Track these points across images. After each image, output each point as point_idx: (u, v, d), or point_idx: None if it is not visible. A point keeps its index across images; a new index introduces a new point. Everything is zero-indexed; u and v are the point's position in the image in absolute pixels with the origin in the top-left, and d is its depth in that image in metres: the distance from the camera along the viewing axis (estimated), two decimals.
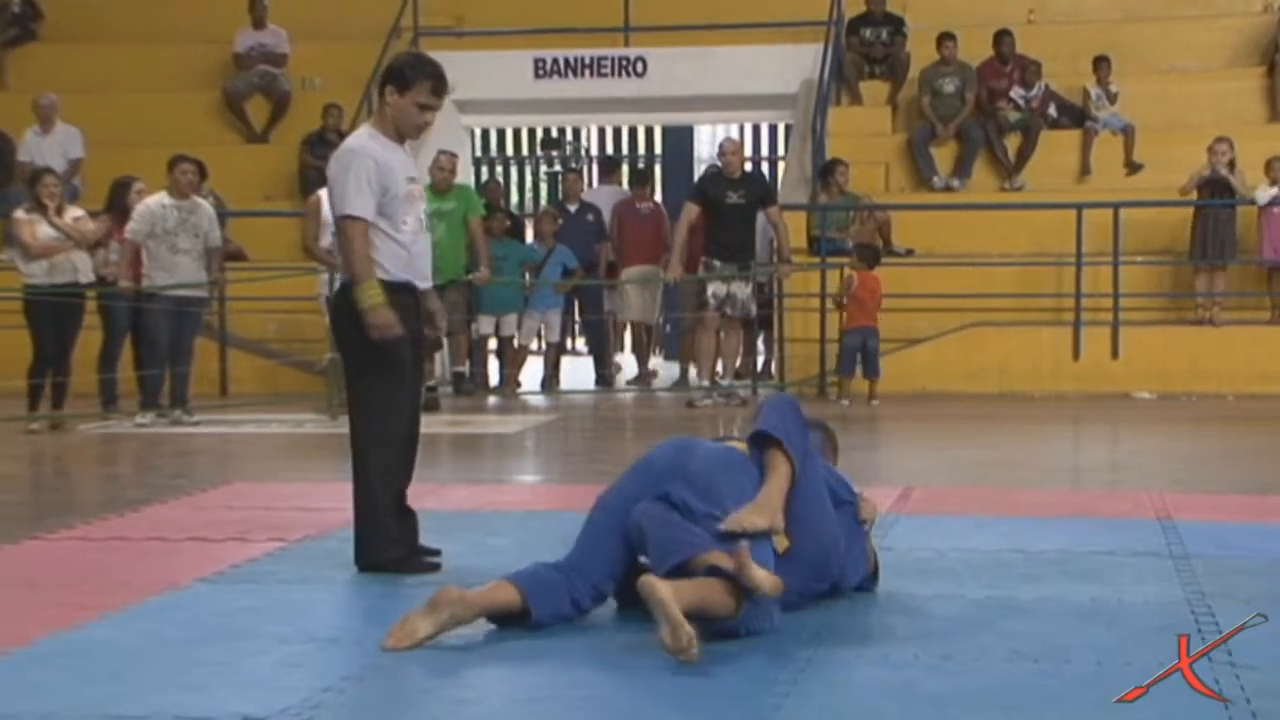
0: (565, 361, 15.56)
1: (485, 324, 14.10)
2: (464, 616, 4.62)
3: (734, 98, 16.66)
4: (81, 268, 11.55)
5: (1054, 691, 4.12)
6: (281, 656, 4.51)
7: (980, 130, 15.49)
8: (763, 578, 4.45)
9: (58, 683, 4.22)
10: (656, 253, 14.41)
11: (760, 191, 13.12)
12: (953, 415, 12.49)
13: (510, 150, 22.79)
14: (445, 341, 13.01)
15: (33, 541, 6.48)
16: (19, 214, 11.57)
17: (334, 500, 6.63)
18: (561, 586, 4.77)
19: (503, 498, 8.00)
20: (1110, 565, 5.83)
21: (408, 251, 5.78)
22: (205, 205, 11.80)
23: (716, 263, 12.88)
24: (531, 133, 22.11)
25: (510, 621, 4.71)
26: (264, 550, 6.20)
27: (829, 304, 13.65)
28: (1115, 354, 13.73)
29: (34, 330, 11.49)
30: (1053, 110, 15.64)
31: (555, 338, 14.79)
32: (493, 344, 14.67)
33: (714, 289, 12.83)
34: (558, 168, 21.68)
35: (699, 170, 19.34)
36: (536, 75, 16.40)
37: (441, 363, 13.81)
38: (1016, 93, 15.54)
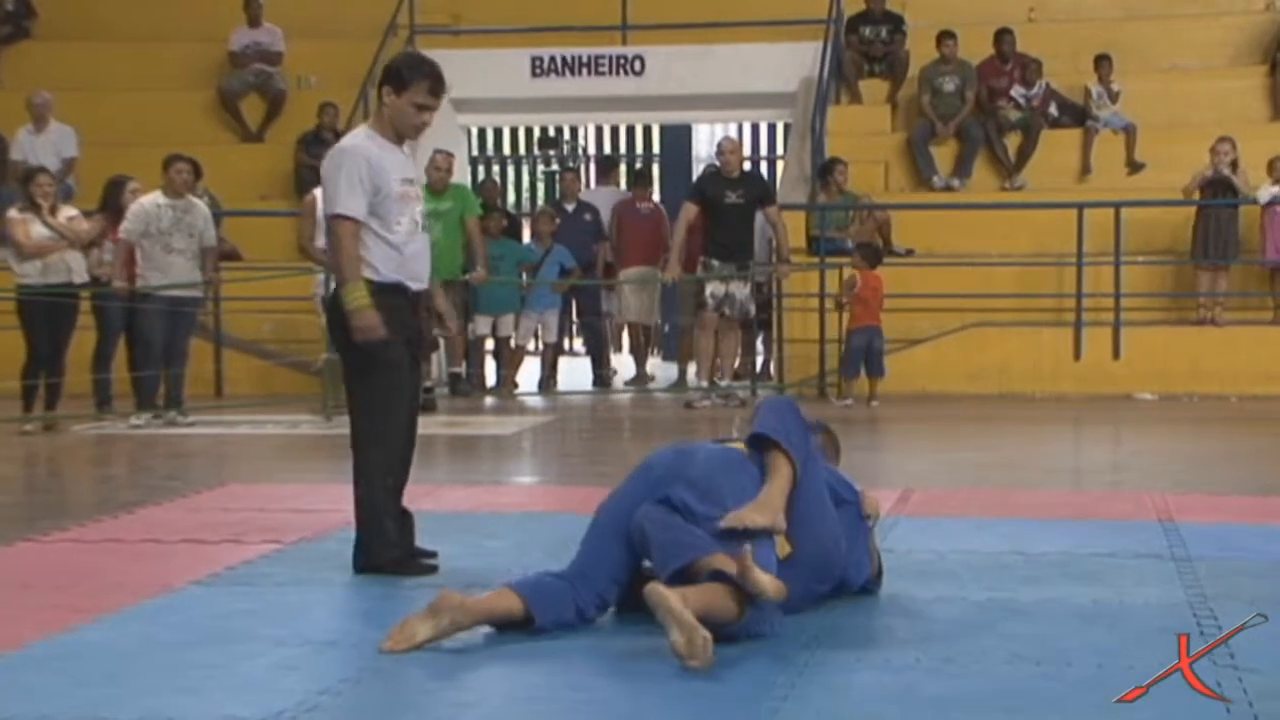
0: (563, 362, 15.55)
1: (482, 324, 14.06)
2: (464, 623, 4.60)
3: (732, 96, 16.60)
4: (75, 268, 11.50)
5: (1055, 694, 4.10)
6: (277, 659, 4.49)
7: (980, 129, 15.44)
8: (766, 582, 4.43)
9: (51, 685, 4.20)
10: (656, 253, 14.37)
11: (759, 191, 13.07)
12: (953, 416, 12.46)
13: (507, 149, 22.79)
14: (441, 342, 12.96)
15: (26, 543, 6.46)
16: (12, 213, 11.50)
17: (330, 502, 6.63)
18: (566, 595, 4.75)
19: (500, 499, 7.97)
20: (1112, 567, 5.81)
21: (400, 252, 5.75)
22: (200, 205, 11.76)
23: (715, 263, 12.83)
24: (529, 132, 22.12)
25: (512, 628, 4.69)
26: (259, 552, 6.18)
27: (830, 304, 13.59)
28: (1116, 354, 13.68)
29: (27, 331, 11.44)
30: (1053, 109, 15.59)
31: (552, 338, 14.78)
32: (489, 344, 14.63)
33: (712, 289, 12.78)
34: (555, 167, 21.69)
35: (697, 169, 19.34)
36: (534, 74, 16.37)
37: (438, 363, 13.77)
38: (1017, 91, 15.50)
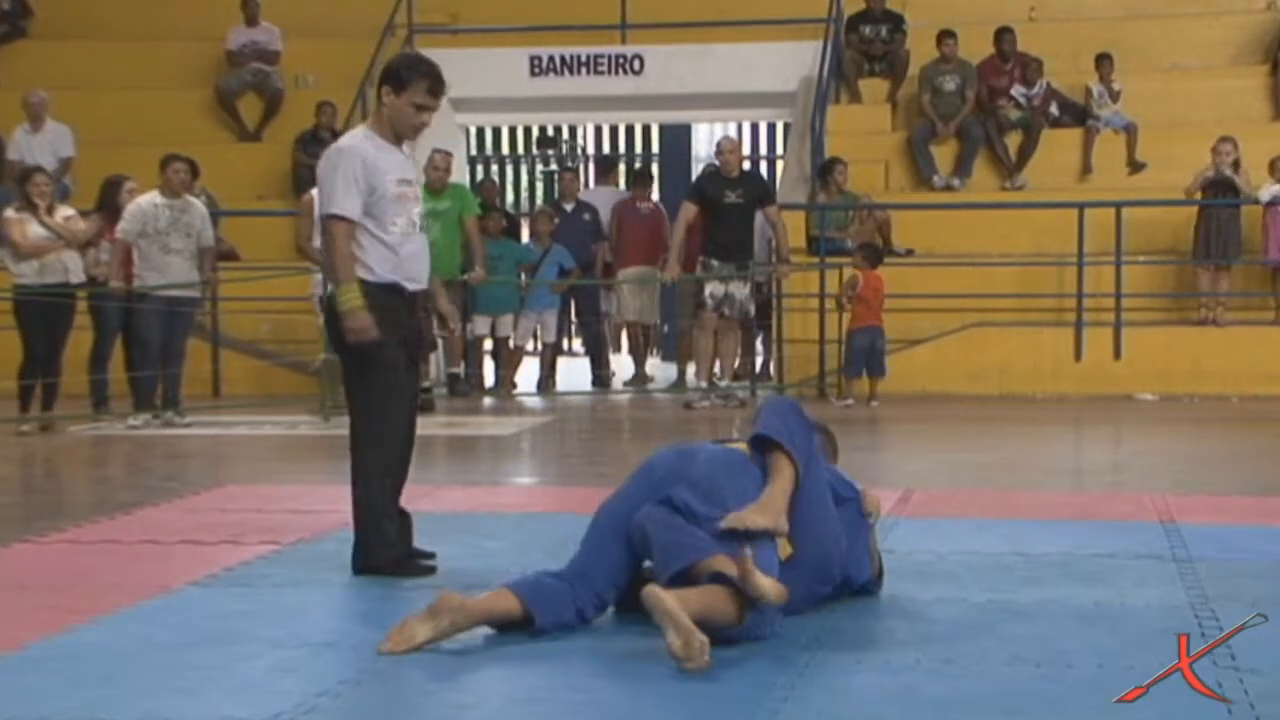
0: (561, 362, 15.52)
1: (481, 324, 14.03)
2: (463, 624, 4.60)
3: (732, 95, 16.57)
4: (72, 268, 11.48)
5: (1056, 696, 4.10)
6: (275, 661, 4.48)
7: (981, 129, 15.41)
8: (767, 586, 4.43)
9: (48, 686, 4.19)
10: (655, 253, 14.34)
11: (758, 190, 13.03)
12: (953, 416, 12.44)
13: (506, 149, 22.74)
14: (440, 342, 12.94)
15: (23, 544, 6.45)
16: (9, 213, 11.46)
17: (328, 502, 6.65)
18: (566, 595, 4.74)
19: (498, 500, 7.96)
20: (1112, 568, 5.80)
21: (395, 253, 5.75)
22: (198, 205, 11.74)
23: (714, 263, 12.79)
24: (527, 131, 22.09)
25: (511, 629, 4.68)
26: (257, 553, 6.17)
27: (831, 304, 13.55)
28: (1117, 355, 13.65)
29: (24, 331, 11.41)
30: (1054, 108, 15.56)
31: (551, 338, 14.76)
32: (488, 345, 14.60)
33: (712, 289, 12.75)
34: (554, 167, 21.64)
35: (697, 169, 19.30)
36: (532, 73, 16.35)
37: (436, 364, 13.75)
38: (1017, 91, 15.46)
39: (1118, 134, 15.33)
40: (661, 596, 4.30)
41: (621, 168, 18.18)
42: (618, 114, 19.30)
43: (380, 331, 5.67)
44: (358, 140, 5.82)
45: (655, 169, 19.42)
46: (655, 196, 15.63)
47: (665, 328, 16.41)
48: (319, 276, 11.92)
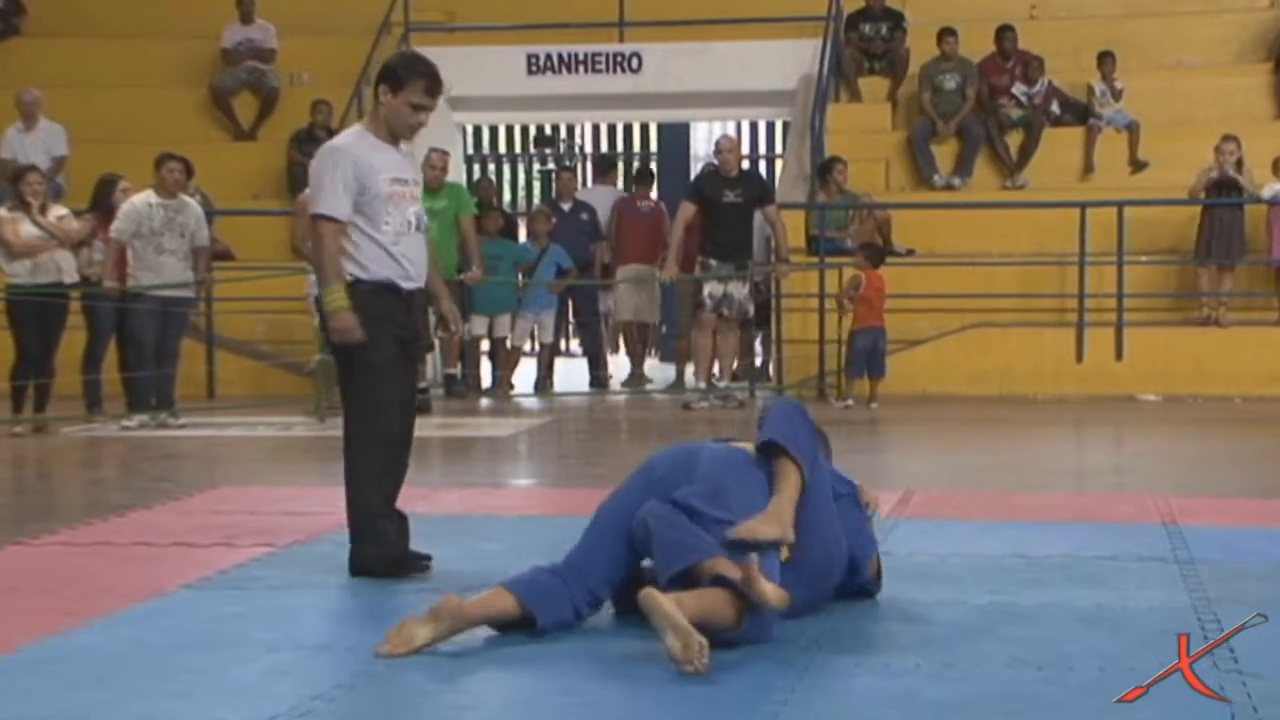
0: (559, 363, 15.46)
1: (478, 325, 13.97)
2: (462, 626, 4.60)
3: (731, 94, 16.51)
4: (65, 267, 11.45)
5: (1057, 699, 4.10)
6: (270, 664, 4.47)
7: (982, 127, 15.36)
8: (769, 591, 4.42)
9: (41, 689, 4.19)
10: (654, 252, 14.28)
11: (758, 190, 12.99)
12: (954, 418, 12.41)
13: (503, 148, 22.70)
14: (436, 343, 12.88)
15: (16, 547, 6.43)
16: (1, 212, 11.43)
17: (323, 504, 6.66)
18: (562, 593, 4.73)
19: (495, 502, 7.94)
20: (1114, 570, 5.80)
21: (388, 252, 5.74)
22: (192, 204, 11.72)
23: (713, 262, 12.75)
24: (524, 130, 22.04)
25: (510, 628, 4.68)
26: (251, 555, 6.16)
27: (831, 305, 13.49)
28: (1119, 355, 13.60)
29: (16, 331, 11.38)
30: (1055, 107, 15.51)
31: (549, 339, 14.72)
32: (485, 345, 14.56)
33: (710, 289, 12.71)
34: (551, 166, 21.59)
35: (695, 168, 19.26)
36: (529, 71, 16.29)
37: (433, 365, 13.70)
38: (1018, 89, 15.42)
39: (1119, 133, 15.28)
40: (659, 599, 4.30)
41: (620, 169, 18.09)
42: (616, 113, 19.24)
43: (375, 331, 5.67)
44: (351, 139, 5.83)
45: (654, 168, 19.37)
46: (654, 195, 15.56)
47: (664, 328, 16.36)
48: (314, 276, 11.87)
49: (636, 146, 22.04)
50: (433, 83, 5.73)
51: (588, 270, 14.68)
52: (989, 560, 5.97)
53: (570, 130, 22.20)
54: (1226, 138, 13.63)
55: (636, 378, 14.93)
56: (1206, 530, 6.60)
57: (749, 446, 4.98)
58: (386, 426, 5.73)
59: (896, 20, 16.31)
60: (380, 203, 5.68)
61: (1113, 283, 13.64)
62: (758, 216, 12.90)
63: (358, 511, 5.72)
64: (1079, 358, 13.65)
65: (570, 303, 15.18)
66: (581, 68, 16.26)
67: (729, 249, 12.69)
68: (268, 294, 13.47)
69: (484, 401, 13.88)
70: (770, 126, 21.22)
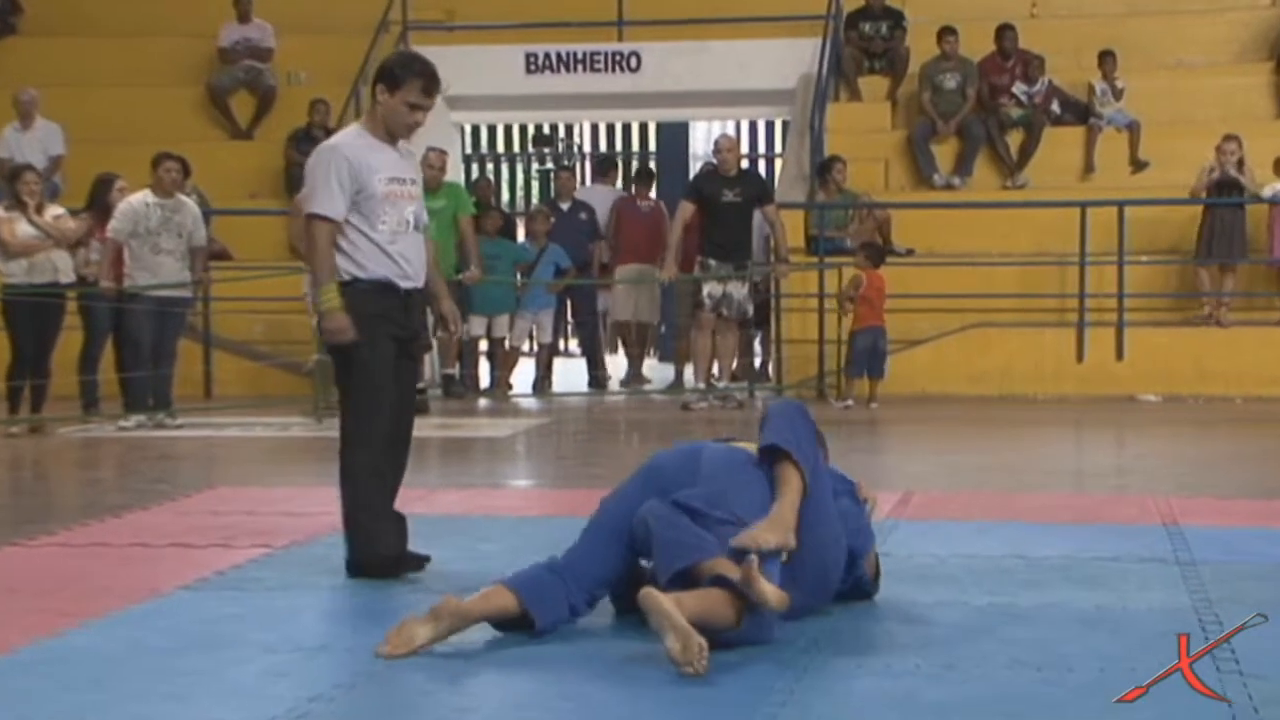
0: (557, 363, 15.42)
1: (476, 325, 13.93)
2: (462, 625, 4.60)
3: (730, 93, 16.46)
4: (62, 267, 11.42)
5: (1057, 700, 4.09)
6: (267, 665, 4.46)
7: (982, 127, 15.32)
8: (769, 592, 4.42)
9: (38, 690, 4.18)
10: (654, 251, 14.22)
11: (757, 189, 12.96)
12: (954, 418, 12.39)
13: (501, 147, 22.66)
14: (434, 342, 12.84)
15: (12, 548, 6.41)
16: None
17: (321, 505, 6.64)
18: (560, 592, 4.73)
19: (493, 503, 7.93)
20: (1115, 571, 5.79)
21: (385, 252, 5.74)
22: (190, 204, 11.70)
23: (712, 262, 12.72)
24: (523, 129, 22.01)
25: (508, 625, 4.68)
26: (249, 556, 6.15)
27: (831, 305, 13.45)
28: (1120, 356, 13.56)
29: (12, 331, 11.35)
30: (1056, 106, 15.48)
31: (547, 339, 14.69)
32: (483, 345, 14.53)
33: (709, 289, 12.68)
34: (550, 165, 21.55)
35: (694, 167, 19.21)
36: (528, 70, 16.25)
37: (431, 365, 13.66)
38: (1019, 88, 15.38)
39: (1120, 132, 15.25)
40: (659, 599, 4.29)
41: (619, 169, 18.05)
42: (614, 112, 19.21)
43: (372, 330, 5.67)
44: (348, 138, 5.83)
45: (652, 167, 19.35)
46: (652, 195, 15.53)
47: (662, 328, 16.34)
48: (311, 276, 11.86)
49: (635, 146, 22.01)
50: (430, 82, 5.72)
51: (586, 270, 14.64)
52: (989, 561, 5.95)
53: (569, 129, 22.16)
54: (1228, 137, 13.60)
55: (635, 378, 14.90)
56: (1207, 531, 6.58)
57: (751, 447, 4.97)
58: (380, 426, 5.71)
59: (896, 19, 16.27)
60: (376, 202, 5.68)
61: (1113, 283, 13.61)
62: (757, 216, 12.87)
63: (352, 512, 5.70)
64: (1079, 358, 13.61)
65: (569, 303, 15.16)
66: (580, 67, 16.22)
67: (728, 249, 12.66)
68: (265, 294, 13.43)
69: (482, 402, 13.86)
70: (769, 126, 21.19)
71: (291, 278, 12.98)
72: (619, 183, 16.41)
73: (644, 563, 4.78)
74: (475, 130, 21.29)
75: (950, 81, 15.43)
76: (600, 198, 15.20)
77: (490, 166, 22.22)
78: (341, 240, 5.69)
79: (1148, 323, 13.75)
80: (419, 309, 6.06)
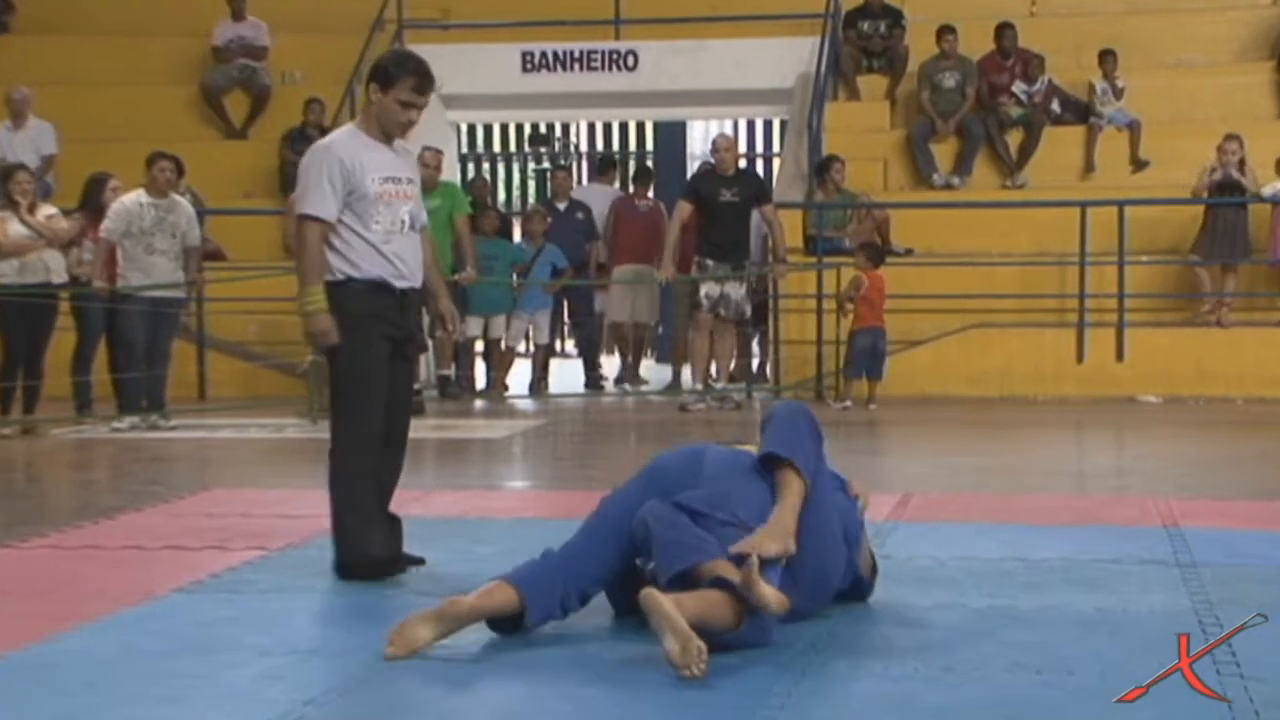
0: (554, 364, 15.37)
1: (473, 325, 13.86)
2: (464, 624, 4.61)
3: (728, 92, 16.42)
4: (54, 267, 11.37)
5: (1056, 703, 4.09)
6: (262, 668, 4.46)
7: (981, 126, 15.27)
8: (770, 595, 4.42)
9: (30, 694, 4.17)
10: (652, 251, 14.16)
11: (755, 189, 12.89)
12: (953, 419, 12.35)
13: (497, 147, 22.61)
14: (430, 343, 12.79)
15: (4, 550, 6.40)
16: None
17: (316, 507, 6.60)
18: (556, 590, 4.73)
19: (490, 504, 7.91)
20: (1115, 574, 5.77)
21: (379, 251, 5.73)
22: (184, 204, 11.68)
23: (710, 262, 12.67)
24: (519, 128, 21.97)
25: (500, 622, 4.68)
26: (243, 559, 6.14)
27: (830, 305, 13.39)
28: (1120, 356, 13.51)
29: (4, 332, 11.29)
30: (1056, 105, 15.43)
31: (544, 339, 14.62)
32: (479, 346, 14.48)
33: (707, 289, 12.64)
34: (546, 165, 21.51)
35: (692, 167, 19.22)
36: (524, 69, 16.19)
37: (427, 366, 13.62)
38: (1018, 87, 15.33)
39: (1120, 131, 15.20)
40: (660, 600, 4.29)
41: (617, 169, 18.00)
42: (611, 111, 19.24)
43: (366, 330, 5.67)
44: (341, 138, 5.82)
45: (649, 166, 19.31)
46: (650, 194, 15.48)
47: (660, 329, 16.29)
48: None
49: (633, 145, 21.99)
50: (422, 80, 5.71)
51: (583, 270, 14.59)
52: (988, 563, 5.94)
53: (565, 129, 22.13)
54: (1229, 137, 13.56)
55: (631, 379, 14.85)
56: (1208, 533, 6.57)
57: (754, 449, 4.97)
58: (373, 426, 5.71)
59: (895, 18, 16.22)
60: (369, 202, 5.68)
61: (1113, 283, 13.57)
62: (755, 216, 12.81)
63: (342, 513, 5.69)
64: (1079, 358, 13.57)
65: (566, 303, 15.11)
66: (577, 65, 16.16)
67: (726, 249, 12.61)
68: (259, 294, 13.37)
69: (478, 403, 13.83)
70: (768, 125, 21.14)
71: (286, 278, 12.82)
72: (618, 182, 16.33)
73: (640, 563, 4.78)
74: (471, 129, 21.24)
75: (949, 80, 15.38)
76: (598, 197, 15.14)
77: (486, 166, 22.18)
78: (335, 240, 5.67)
79: (1148, 323, 13.71)
80: (415, 309, 6.04)
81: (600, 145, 22.01)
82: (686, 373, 13.72)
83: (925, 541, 6.38)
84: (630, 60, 16.08)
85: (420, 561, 5.80)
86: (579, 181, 17.86)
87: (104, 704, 4.08)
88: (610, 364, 15.69)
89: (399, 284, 5.75)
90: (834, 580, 4.94)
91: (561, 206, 14.82)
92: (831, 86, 15.77)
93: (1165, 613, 5.07)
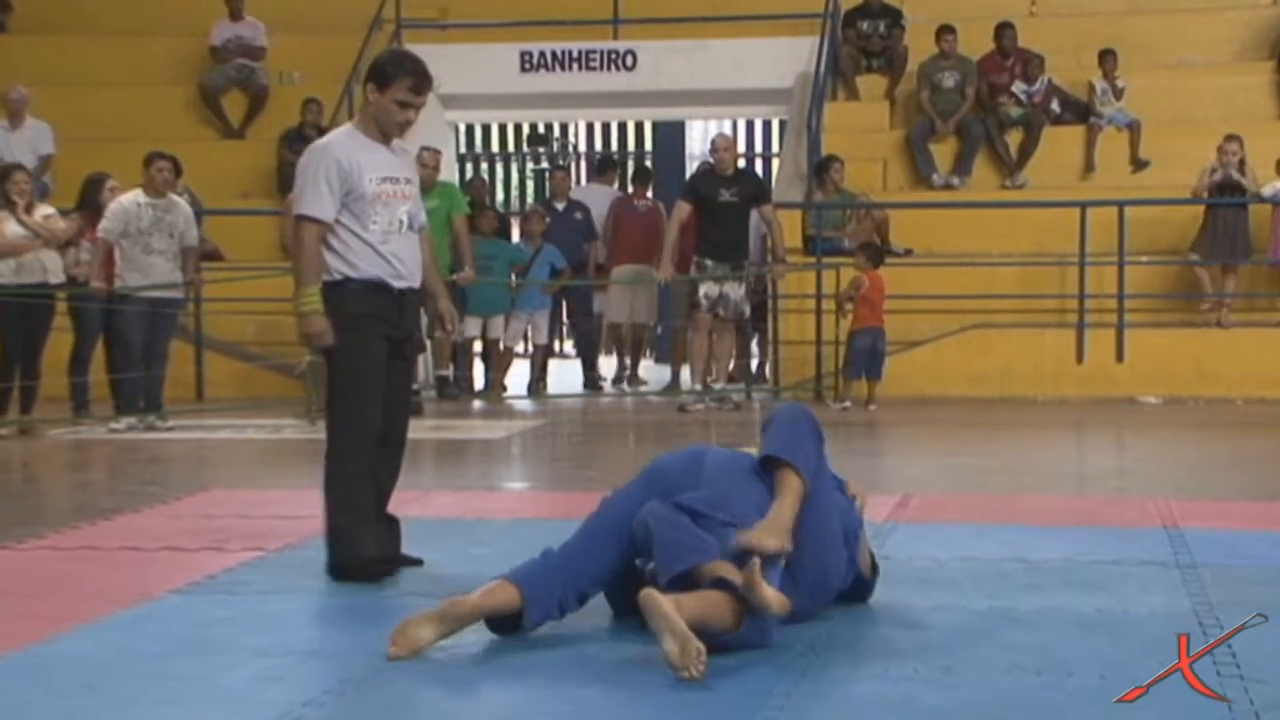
0: (553, 364, 15.35)
1: (471, 326, 13.83)
2: (465, 624, 4.61)
3: (727, 92, 16.40)
4: (51, 267, 11.35)
5: (1056, 704, 4.09)
6: (259, 670, 4.45)
7: (981, 126, 15.26)
8: (771, 596, 4.42)
9: (27, 696, 4.17)
10: (651, 251, 14.15)
11: (754, 189, 12.87)
12: (953, 420, 12.33)
13: (496, 147, 22.60)
14: (428, 343, 12.77)
15: (2, 551, 6.40)
16: None
17: (313, 507, 6.65)
18: (555, 590, 4.73)
19: (488, 505, 7.92)
20: (1115, 575, 5.77)
21: (377, 251, 5.73)
22: (182, 204, 11.67)
23: (709, 262, 12.65)
24: (518, 128, 21.96)
25: (498, 622, 4.68)
26: (241, 560, 6.13)
27: (829, 305, 13.37)
28: (1120, 357, 13.50)
29: (1, 332, 11.26)
30: (1056, 105, 15.42)
31: (543, 340, 14.61)
32: (478, 346, 14.47)
33: (706, 289, 12.62)
34: (545, 165, 21.50)
35: (691, 167, 19.19)
36: (523, 69, 16.18)
37: (425, 366, 13.59)
38: (1018, 87, 15.32)
39: (1120, 131, 15.19)
40: (659, 600, 4.28)
41: (616, 169, 17.99)
42: (610, 111, 19.22)
43: (363, 330, 5.67)
44: (339, 138, 5.81)
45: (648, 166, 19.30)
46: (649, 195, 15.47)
47: (659, 329, 16.27)
48: None
49: (631, 145, 21.97)
50: (419, 80, 5.71)
51: (582, 270, 14.57)
52: (988, 564, 5.93)
53: (564, 129, 22.12)
54: (1230, 138, 13.55)
55: (628, 378, 14.81)
56: (1208, 534, 6.56)
57: (755, 450, 4.97)
58: (370, 427, 5.70)
59: (895, 17, 16.20)
60: (366, 202, 5.68)
61: (1113, 283, 13.55)
62: (754, 216, 12.80)
63: (337, 514, 5.68)
64: (1079, 359, 13.55)
65: (564, 303, 15.08)
66: (575, 65, 16.15)
67: (725, 249, 12.59)
68: (257, 295, 13.36)
69: (477, 403, 13.81)
70: (767, 125, 21.14)
71: (284, 278, 12.70)
72: (616, 183, 16.31)
73: (640, 564, 4.77)
74: (469, 129, 21.25)
75: (949, 80, 15.36)
76: (596, 197, 15.14)
77: (485, 166, 22.19)
78: (333, 240, 5.67)
79: (1148, 324, 13.70)
80: (413, 309, 6.03)
81: (599, 145, 22.00)
82: (685, 373, 13.70)
83: (925, 542, 6.37)
84: (629, 60, 16.07)
85: (418, 562, 5.80)
86: (577, 181, 17.85)
87: (101, 705, 4.08)
88: (609, 364, 15.67)
89: (397, 284, 5.74)
90: (834, 581, 4.93)
91: (560, 206, 14.80)
92: (831, 86, 15.76)
93: (1165, 614, 5.06)
